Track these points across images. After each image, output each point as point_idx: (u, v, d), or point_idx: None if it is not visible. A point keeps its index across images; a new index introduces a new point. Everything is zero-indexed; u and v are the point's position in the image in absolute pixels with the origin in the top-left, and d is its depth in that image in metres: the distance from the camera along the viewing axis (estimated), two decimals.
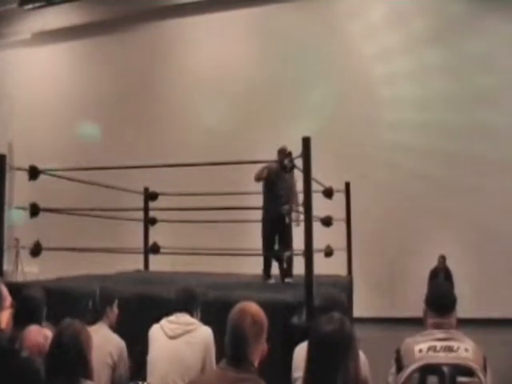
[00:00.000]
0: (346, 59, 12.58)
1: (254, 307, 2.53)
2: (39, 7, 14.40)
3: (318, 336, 2.34)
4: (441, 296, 3.02)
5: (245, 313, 2.48)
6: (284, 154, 6.77)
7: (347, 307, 3.47)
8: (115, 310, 4.00)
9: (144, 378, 3.64)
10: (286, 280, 6.77)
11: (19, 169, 6.72)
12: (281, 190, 6.79)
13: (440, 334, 2.82)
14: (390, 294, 11.24)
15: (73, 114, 14.19)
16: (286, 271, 6.86)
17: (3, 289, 2.65)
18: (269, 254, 6.78)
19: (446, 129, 11.62)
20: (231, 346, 2.43)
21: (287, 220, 6.76)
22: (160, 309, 3.99)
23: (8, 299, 2.67)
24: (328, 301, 3.48)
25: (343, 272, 9.00)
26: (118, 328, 3.92)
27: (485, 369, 2.69)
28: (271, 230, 6.82)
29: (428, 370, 2.68)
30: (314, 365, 2.30)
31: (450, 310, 2.95)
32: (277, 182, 6.79)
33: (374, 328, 9.19)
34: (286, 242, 6.83)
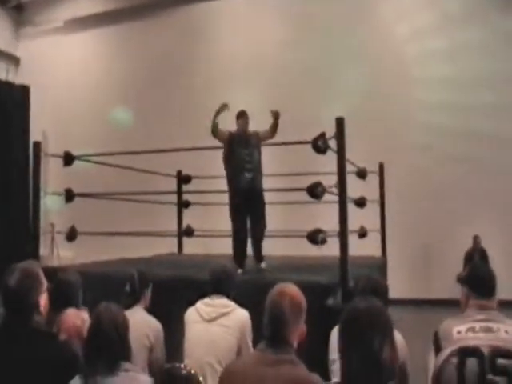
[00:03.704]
0: (380, 40, 12.38)
1: (293, 289, 2.51)
2: None
3: (348, 311, 2.29)
4: (485, 277, 2.97)
5: (284, 294, 2.47)
6: (242, 117, 6.34)
7: (386, 291, 3.42)
8: (149, 293, 4.03)
9: (180, 361, 3.66)
10: (261, 266, 6.07)
11: (54, 155, 6.80)
12: (244, 155, 6.04)
13: (479, 315, 2.78)
14: (423, 276, 11.14)
15: (106, 100, 14.22)
16: (256, 255, 6.12)
17: (41, 273, 2.68)
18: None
19: (481, 109, 11.36)
20: (270, 328, 2.42)
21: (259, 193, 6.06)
22: (195, 291, 4.00)
23: (45, 283, 2.69)
24: (368, 282, 3.44)
25: (377, 253, 8.95)
26: (153, 311, 3.94)
27: None
28: (239, 206, 6.07)
29: (467, 352, 2.64)
30: (346, 340, 2.19)
31: (493, 291, 2.91)
32: (237, 149, 6.10)
33: (408, 310, 9.12)
34: (259, 218, 6.08)
